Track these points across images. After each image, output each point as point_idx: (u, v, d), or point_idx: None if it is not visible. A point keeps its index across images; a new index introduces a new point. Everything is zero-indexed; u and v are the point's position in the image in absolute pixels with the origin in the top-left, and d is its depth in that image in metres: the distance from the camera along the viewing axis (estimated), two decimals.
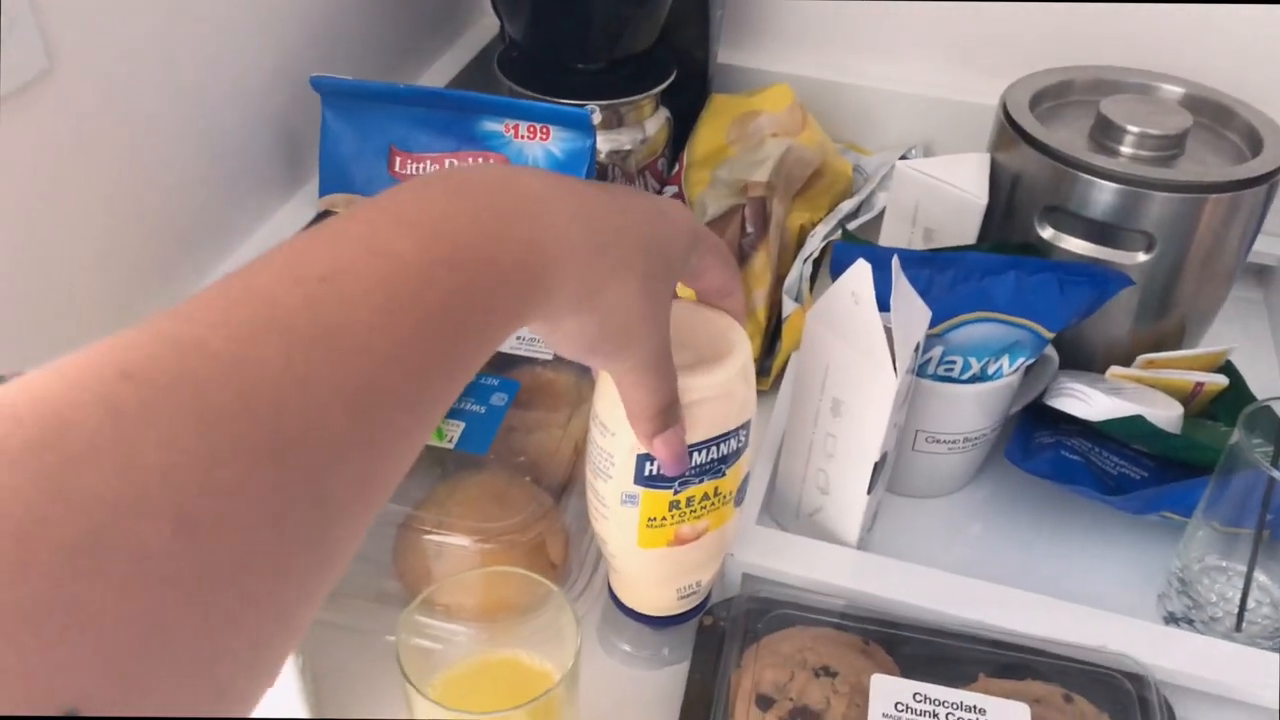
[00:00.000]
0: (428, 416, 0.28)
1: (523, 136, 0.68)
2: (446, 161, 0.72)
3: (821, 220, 0.80)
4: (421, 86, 0.78)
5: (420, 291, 0.27)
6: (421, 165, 0.72)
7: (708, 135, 0.85)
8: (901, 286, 0.52)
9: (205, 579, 0.21)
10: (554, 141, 0.68)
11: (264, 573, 0.22)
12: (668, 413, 0.42)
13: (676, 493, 0.48)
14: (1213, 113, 0.68)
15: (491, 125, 0.69)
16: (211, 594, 0.21)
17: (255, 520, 0.22)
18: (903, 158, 0.89)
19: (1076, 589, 0.58)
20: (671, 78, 0.83)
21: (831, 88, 0.93)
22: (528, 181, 0.33)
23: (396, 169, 0.73)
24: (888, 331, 0.51)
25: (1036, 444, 0.63)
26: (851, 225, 0.80)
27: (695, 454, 0.47)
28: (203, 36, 0.67)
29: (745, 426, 0.48)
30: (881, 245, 0.73)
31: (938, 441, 0.62)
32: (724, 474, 0.49)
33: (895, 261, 0.52)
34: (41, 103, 0.56)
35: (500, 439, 0.60)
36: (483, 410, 0.60)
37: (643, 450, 0.46)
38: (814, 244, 0.77)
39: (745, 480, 0.51)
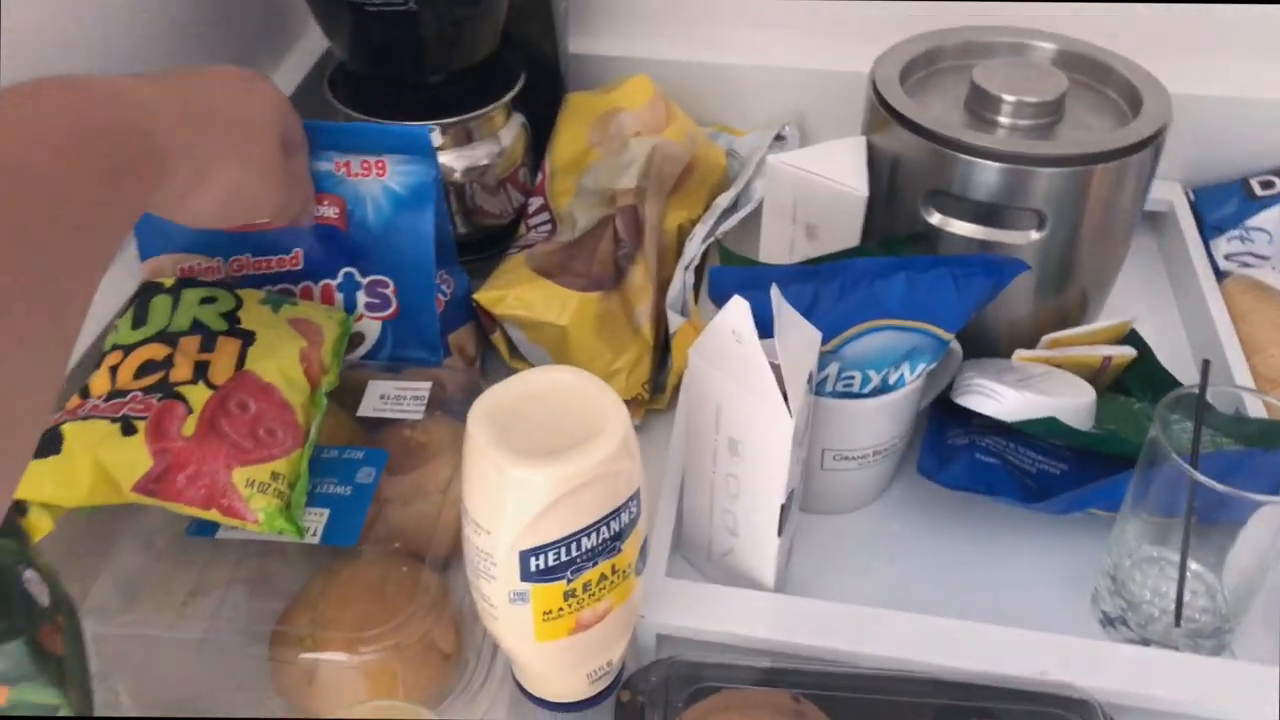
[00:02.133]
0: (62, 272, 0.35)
1: (356, 174, 0.61)
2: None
3: (700, 219, 0.75)
4: None
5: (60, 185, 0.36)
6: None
7: (568, 139, 0.79)
8: (785, 316, 0.48)
9: None
10: (392, 176, 0.61)
11: None
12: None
13: (570, 581, 0.43)
14: (1089, 69, 0.64)
15: (322, 165, 0.61)
16: None
17: None
18: (778, 136, 0.85)
19: (1009, 594, 0.56)
20: (521, 81, 0.76)
21: (694, 69, 0.88)
22: (141, 92, 0.43)
23: None
24: (775, 368, 0.47)
25: (950, 447, 0.60)
26: (731, 220, 0.75)
27: (585, 538, 0.42)
28: None
29: (635, 497, 0.44)
30: (761, 256, 0.69)
31: (846, 459, 0.58)
32: (620, 550, 0.44)
33: (775, 293, 0.47)
34: None
35: (374, 515, 0.54)
36: (348, 491, 0.54)
37: (526, 546, 0.41)
38: (693, 248, 0.71)
39: (644, 545, 0.47)
